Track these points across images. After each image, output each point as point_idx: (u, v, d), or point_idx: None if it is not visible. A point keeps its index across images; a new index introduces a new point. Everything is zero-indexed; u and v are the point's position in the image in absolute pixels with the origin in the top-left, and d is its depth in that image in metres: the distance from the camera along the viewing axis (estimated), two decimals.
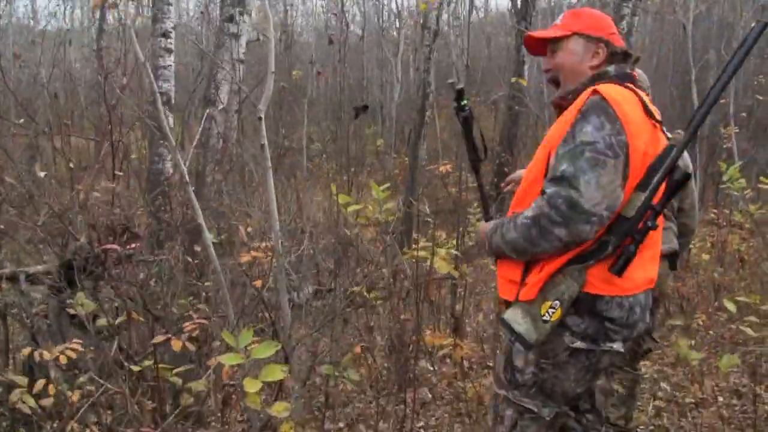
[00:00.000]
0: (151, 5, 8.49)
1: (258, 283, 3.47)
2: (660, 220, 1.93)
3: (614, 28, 2.15)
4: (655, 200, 1.91)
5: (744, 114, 12.18)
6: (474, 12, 25.53)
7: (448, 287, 5.25)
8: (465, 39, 25.93)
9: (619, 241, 1.91)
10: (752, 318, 3.60)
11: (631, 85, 2.02)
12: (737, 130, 7.90)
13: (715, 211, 6.75)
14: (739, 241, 5.39)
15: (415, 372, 3.79)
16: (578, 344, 2.00)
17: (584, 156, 1.85)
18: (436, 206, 6.51)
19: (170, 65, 8.16)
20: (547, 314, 1.93)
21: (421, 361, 4.18)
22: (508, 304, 2.08)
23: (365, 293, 3.78)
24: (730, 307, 3.40)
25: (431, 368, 4.31)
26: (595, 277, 1.95)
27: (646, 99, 2.00)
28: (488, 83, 18.25)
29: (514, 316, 1.97)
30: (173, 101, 8.31)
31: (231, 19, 7.34)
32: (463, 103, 2.31)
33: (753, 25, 1.83)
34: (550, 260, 1.96)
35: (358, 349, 3.43)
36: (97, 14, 14.62)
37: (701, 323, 4.53)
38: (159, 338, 2.94)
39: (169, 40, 8.25)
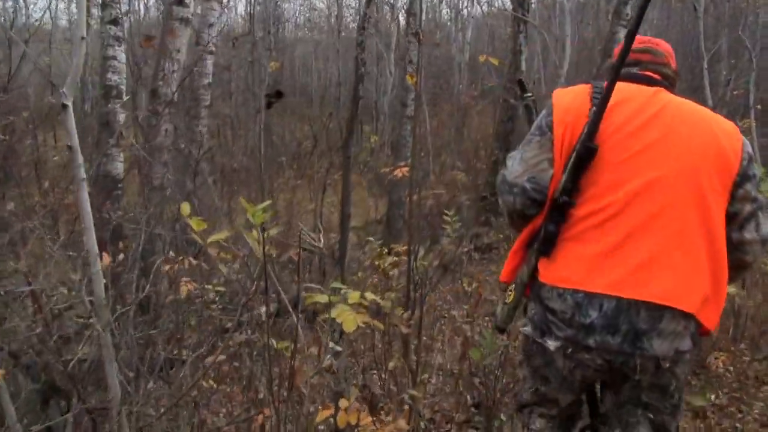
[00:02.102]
0: None
1: None
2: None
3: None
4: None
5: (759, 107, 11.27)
6: (477, 6, 24.77)
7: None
8: (468, 33, 25.40)
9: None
10: None
11: (625, 81, 1.95)
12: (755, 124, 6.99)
13: None
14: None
15: None
16: (527, 329, 1.99)
17: (525, 139, 2.04)
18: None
19: (120, 56, 7.35)
20: (508, 295, 2.03)
21: None
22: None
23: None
24: None
25: None
26: (540, 263, 1.95)
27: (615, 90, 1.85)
28: (490, 79, 17.41)
29: (498, 302, 2.09)
30: (125, 96, 7.46)
31: (180, 1, 6.47)
32: (526, 95, 2.38)
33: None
34: (518, 242, 2.04)
35: None
36: None
37: (720, 362, 3.65)
38: None
39: (119, 28, 7.43)
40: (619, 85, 1.82)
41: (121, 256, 2.87)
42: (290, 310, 2.50)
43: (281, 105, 23.63)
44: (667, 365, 1.84)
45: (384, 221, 10.64)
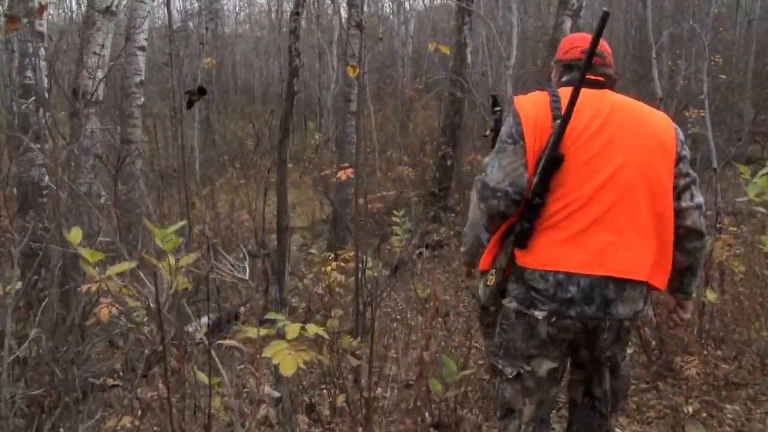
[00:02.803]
0: None
1: None
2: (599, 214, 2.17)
3: (575, 47, 2.42)
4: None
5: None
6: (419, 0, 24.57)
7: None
8: (411, 26, 25.17)
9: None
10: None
11: (567, 88, 2.18)
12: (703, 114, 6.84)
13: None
14: (724, 247, 4.27)
15: None
16: (514, 305, 2.29)
17: (496, 147, 2.29)
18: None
19: (39, 52, 6.80)
20: (489, 279, 2.36)
21: None
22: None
23: None
24: None
25: None
26: (519, 251, 2.25)
27: (567, 95, 2.15)
28: (434, 72, 17.18)
29: (480, 284, 2.42)
30: (47, 95, 6.91)
31: None
32: (496, 108, 2.70)
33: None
34: (495, 237, 2.35)
35: None
36: None
37: (692, 366, 3.45)
38: None
39: (39, 23, 6.87)
40: (569, 91, 2.14)
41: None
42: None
43: (223, 103, 23.08)
44: (627, 324, 2.30)
45: (330, 221, 10.27)
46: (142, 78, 9.22)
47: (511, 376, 2.32)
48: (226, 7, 23.97)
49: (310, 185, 15.55)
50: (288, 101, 2.73)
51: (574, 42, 2.46)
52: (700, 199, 2.31)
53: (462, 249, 3.18)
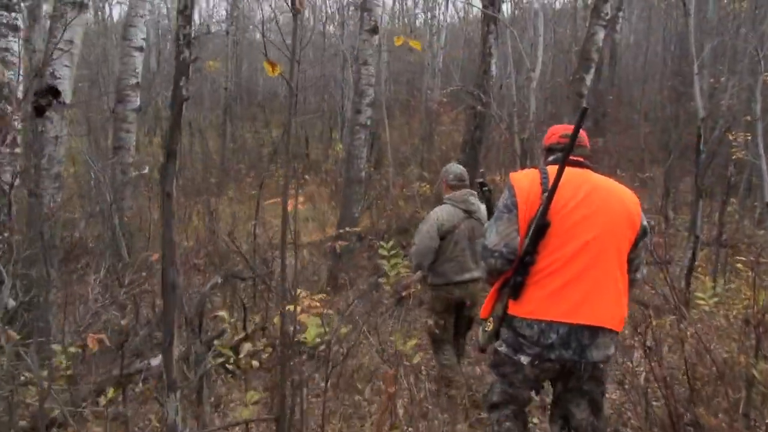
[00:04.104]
0: None
1: None
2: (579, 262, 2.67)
3: (555, 134, 3.04)
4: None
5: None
6: (453, 11, 23.95)
7: None
8: (441, 37, 24.48)
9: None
10: None
11: (555, 166, 2.69)
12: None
13: None
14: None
15: None
16: (504, 349, 2.80)
17: (493, 217, 2.84)
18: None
19: (14, 47, 6.21)
20: (488, 325, 2.85)
21: None
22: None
23: None
24: None
25: None
26: (510, 302, 2.73)
27: (555, 173, 2.63)
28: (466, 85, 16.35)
29: (480, 330, 2.93)
30: (18, 94, 6.31)
31: None
32: (485, 189, 3.48)
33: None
34: (494, 288, 2.86)
35: None
36: None
37: None
38: None
39: (13, 15, 6.28)
40: (555, 170, 2.63)
41: None
42: None
43: (244, 110, 22.56)
44: (601, 366, 2.73)
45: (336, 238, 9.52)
46: (138, 80, 8.63)
47: (498, 390, 2.89)
48: (249, 13, 23.37)
49: (324, 198, 14.88)
50: (175, 111, 1.99)
51: (556, 130, 3.05)
52: (645, 271, 3.01)
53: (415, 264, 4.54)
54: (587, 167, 2.86)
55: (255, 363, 3.89)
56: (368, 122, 8.74)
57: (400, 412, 3.90)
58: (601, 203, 2.72)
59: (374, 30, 8.66)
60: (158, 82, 17.40)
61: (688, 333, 3.78)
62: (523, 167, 9.11)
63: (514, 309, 2.71)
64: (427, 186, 11.82)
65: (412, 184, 12.63)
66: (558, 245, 2.65)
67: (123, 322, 4.11)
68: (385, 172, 12.52)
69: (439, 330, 4.45)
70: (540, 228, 2.63)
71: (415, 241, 4.74)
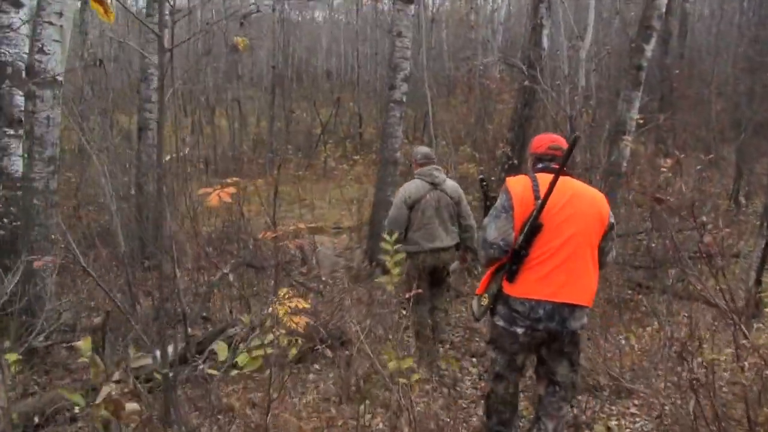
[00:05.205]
0: None
1: None
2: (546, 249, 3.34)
3: (543, 144, 3.60)
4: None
5: None
6: None
7: None
8: (501, 13, 23.54)
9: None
10: None
11: (545, 173, 3.41)
12: None
13: None
14: None
15: None
16: (501, 323, 3.47)
17: (491, 214, 3.45)
18: None
19: (17, 23, 5.88)
20: (483, 300, 3.53)
21: None
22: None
23: None
24: None
25: None
26: (505, 284, 3.41)
27: (544, 180, 3.31)
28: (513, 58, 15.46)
29: (474, 303, 3.61)
30: (23, 74, 5.98)
31: None
32: (484, 184, 4.00)
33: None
34: (488, 273, 3.55)
35: None
36: None
37: None
38: None
39: None
40: (546, 178, 3.31)
41: None
42: None
43: (293, 89, 22.18)
44: (578, 333, 3.50)
45: (369, 223, 9.01)
46: None
47: (500, 362, 3.55)
48: None
49: (373, 179, 14.33)
50: (159, 89, 1.55)
51: (544, 141, 3.62)
52: (614, 253, 3.73)
53: (386, 232, 4.84)
54: (568, 174, 3.45)
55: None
56: (403, 98, 8.14)
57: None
58: (580, 205, 3.40)
59: (409, 0, 8.04)
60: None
61: (747, 363, 3.12)
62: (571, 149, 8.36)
63: (510, 290, 3.39)
64: (474, 167, 11.14)
65: (460, 165, 11.96)
66: (547, 240, 3.32)
67: (96, 320, 3.68)
68: (441, 153, 11.86)
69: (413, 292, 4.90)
70: (534, 229, 3.30)
71: (389, 213, 5.52)
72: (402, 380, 3.52)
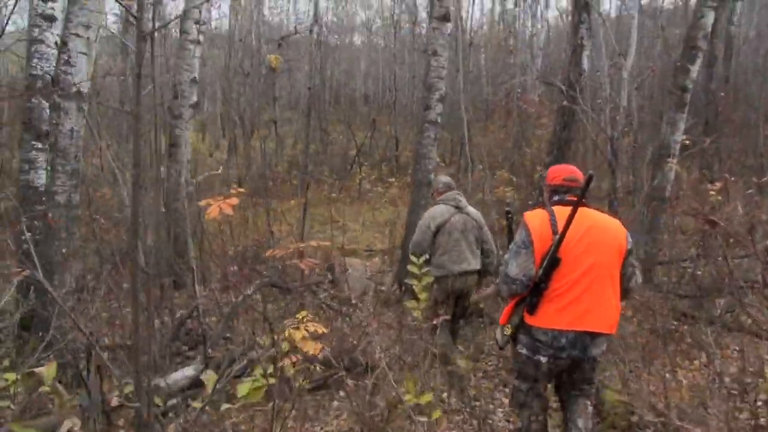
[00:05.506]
0: None
1: None
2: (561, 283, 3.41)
3: (559, 176, 3.71)
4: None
5: None
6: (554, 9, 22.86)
7: None
8: (541, 37, 23.30)
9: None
10: None
11: (561, 206, 3.53)
12: None
13: None
14: None
15: None
16: (524, 351, 3.54)
17: (512, 250, 3.52)
18: None
19: (49, 39, 5.84)
20: (506, 330, 3.60)
21: None
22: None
23: None
24: None
25: None
26: (527, 315, 3.49)
27: (561, 213, 3.42)
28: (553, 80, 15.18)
29: (498, 332, 3.69)
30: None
31: None
32: (509, 215, 4.13)
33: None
34: (510, 304, 3.63)
35: None
36: None
37: None
38: None
39: (49, 4, 5.90)
40: (563, 210, 3.43)
41: None
42: None
43: (327, 110, 22.12)
44: (598, 359, 3.62)
45: (401, 246, 8.75)
46: (196, 75, 8.19)
47: (524, 389, 3.66)
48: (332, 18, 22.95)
49: (407, 202, 14.10)
50: (134, 98, 1.39)
51: (559, 172, 3.75)
52: (640, 279, 3.76)
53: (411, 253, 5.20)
54: (585, 205, 3.48)
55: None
56: (438, 119, 7.92)
57: None
58: (598, 235, 3.47)
59: (445, 17, 7.85)
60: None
61: None
62: (612, 172, 8.05)
63: (531, 320, 3.47)
64: (511, 191, 10.85)
65: (497, 189, 11.69)
66: (566, 272, 3.38)
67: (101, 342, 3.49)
68: (464, 177, 11.63)
69: (439, 316, 5.04)
70: (553, 263, 3.37)
71: (413, 237, 5.60)
72: (422, 418, 3.29)
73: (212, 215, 2.15)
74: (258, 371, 3.17)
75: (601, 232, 3.48)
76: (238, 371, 4.18)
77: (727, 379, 4.72)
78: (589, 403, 3.74)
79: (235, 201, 2.18)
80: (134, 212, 1.87)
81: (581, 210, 3.39)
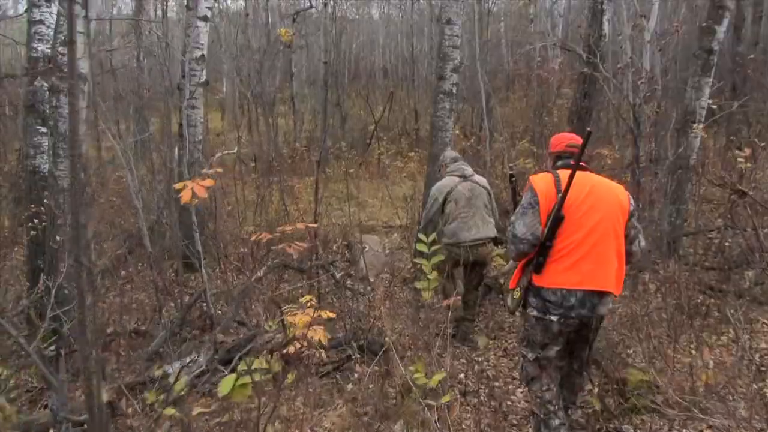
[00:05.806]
0: None
1: None
2: (573, 238, 3.48)
3: (562, 143, 3.82)
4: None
5: None
6: None
7: None
8: (561, 5, 22.74)
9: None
10: None
11: (565, 170, 3.56)
12: None
13: None
14: None
15: None
16: (534, 313, 3.60)
17: (518, 211, 3.61)
18: None
19: (49, 19, 5.72)
20: (516, 294, 3.68)
21: None
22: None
23: None
24: None
25: None
26: (535, 276, 3.55)
27: (565, 175, 3.45)
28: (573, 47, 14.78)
29: (508, 298, 3.76)
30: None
31: None
32: (513, 179, 4.17)
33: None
34: (519, 266, 3.72)
35: None
36: None
37: None
38: None
39: None
40: (566, 173, 3.45)
41: None
42: None
43: (342, 85, 21.86)
44: (603, 318, 3.72)
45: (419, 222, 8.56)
46: (204, 52, 8.03)
47: (531, 359, 3.70)
48: None
49: (424, 174, 13.88)
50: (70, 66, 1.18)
51: (562, 139, 3.86)
52: (644, 243, 3.76)
53: (419, 229, 5.58)
54: (587, 169, 3.65)
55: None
56: (453, 89, 7.69)
57: None
58: (600, 196, 3.55)
59: None
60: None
61: None
62: (635, 140, 7.76)
63: (539, 281, 3.55)
64: (532, 163, 10.60)
65: (516, 160, 11.43)
66: (571, 232, 3.47)
67: (109, 330, 3.39)
68: (482, 148, 11.40)
69: (450, 285, 5.21)
70: (557, 220, 3.45)
71: (424, 213, 5.77)
72: (432, 402, 3.11)
73: (185, 199, 2.00)
74: (242, 367, 2.96)
75: (603, 191, 3.56)
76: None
77: (756, 356, 4.51)
78: (583, 380, 3.92)
79: (210, 182, 2.04)
80: (74, 193, 1.71)
81: (584, 174, 3.56)
